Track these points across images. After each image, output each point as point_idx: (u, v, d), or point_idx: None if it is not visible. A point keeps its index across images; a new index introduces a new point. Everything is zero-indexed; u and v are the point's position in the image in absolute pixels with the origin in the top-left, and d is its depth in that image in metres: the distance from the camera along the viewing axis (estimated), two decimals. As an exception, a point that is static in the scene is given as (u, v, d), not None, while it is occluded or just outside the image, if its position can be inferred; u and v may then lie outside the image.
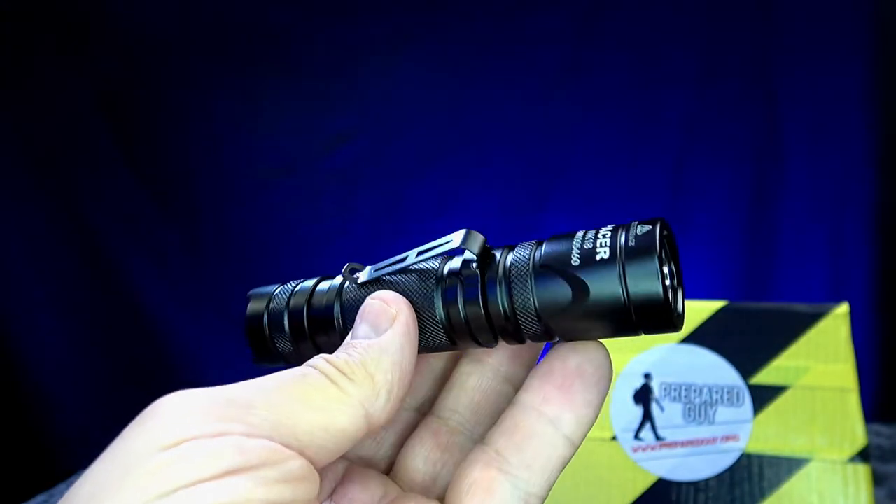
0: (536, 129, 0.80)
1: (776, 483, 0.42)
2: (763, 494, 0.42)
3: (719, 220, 0.76)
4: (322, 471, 0.24)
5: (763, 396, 0.45)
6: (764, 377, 0.45)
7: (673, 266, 0.23)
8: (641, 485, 0.44)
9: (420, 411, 0.27)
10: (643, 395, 0.47)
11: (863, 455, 0.41)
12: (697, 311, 0.49)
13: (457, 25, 0.79)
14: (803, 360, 0.45)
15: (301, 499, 0.18)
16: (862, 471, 0.41)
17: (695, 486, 0.43)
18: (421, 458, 0.25)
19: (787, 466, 0.42)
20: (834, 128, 0.72)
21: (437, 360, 0.27)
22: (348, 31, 0.81)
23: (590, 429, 0.23)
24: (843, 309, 0.46)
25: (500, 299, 0.22)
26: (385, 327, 0.22)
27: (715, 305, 0.48)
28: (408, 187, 0.83)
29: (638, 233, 0.21)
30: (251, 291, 0.29)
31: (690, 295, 0.81)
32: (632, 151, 0.78)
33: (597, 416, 0.23)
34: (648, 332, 0.21)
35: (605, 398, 0.23)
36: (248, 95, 0.84)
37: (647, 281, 0.20)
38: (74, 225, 0.85)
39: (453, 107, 0.82)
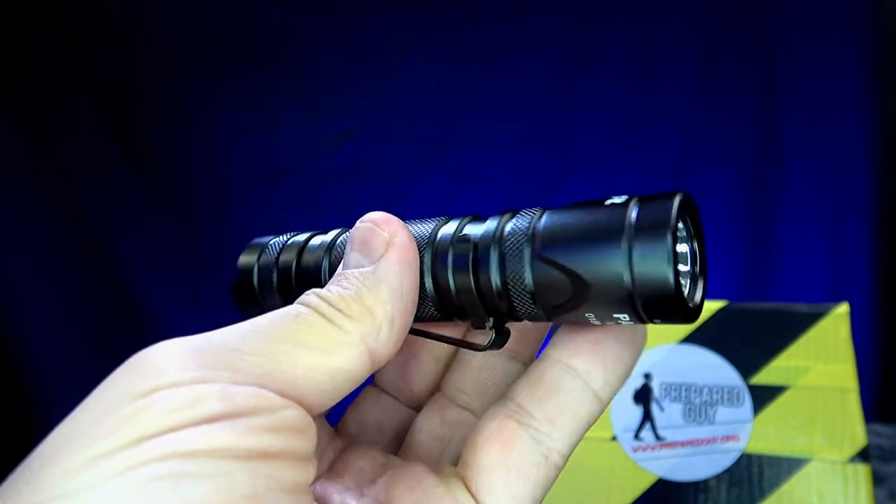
0: (536, 128, 0.80)
1: (776, 483, 0.42)
2: (763, 494, 0.42)
3: (719, 220, 0.76)
4: (321, 445, 0.23)
5: (763, 396, 0.45)
6: (764, 377, 0.45)
7: (696, 247, 0.20)
8: (641, 485, 0.44)
9: (424, 398, 0.26)
10: (643, 395, 0.47)
11: (863, 455, 0.41)
12: (697, 311, 0.48)
13: (457, 25, 0.79)
14: (803, 360, 0.45)
15: (294, 449, 0.17)
16: (862, 471, 0.41)
17: (695, 486, 0.43)
18: (426, 433, 0.24)
19: (786, 466, 0.42)
20: (834, 128, 0.72)
21: (440, 346, 0.26)
22: (348, 31, 0.81)
23: (619, 388, 0.21)
24: (843, 309, 0.46)
25: (492, 275, 0.20)
26: (379, 253, 0.20)
27: (715, 305, 0.48)
28: (408, 187, 0.83)
29: (651, 207, 0.18)
30: (251, 241, 0.27)
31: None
32: (632, 151, 0.78)
33: (628, 375, 0.21)
34: (660, 322, 0.19)
35: (637, 358, 0.21)
36: (248, 95, 0.84)
37: (656, 264, 0.17)
38: (74, 224, 0.85)
39: (453, 107, 0.82)
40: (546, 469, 0.21)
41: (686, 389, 0.46)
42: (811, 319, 0.46)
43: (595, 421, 0.21)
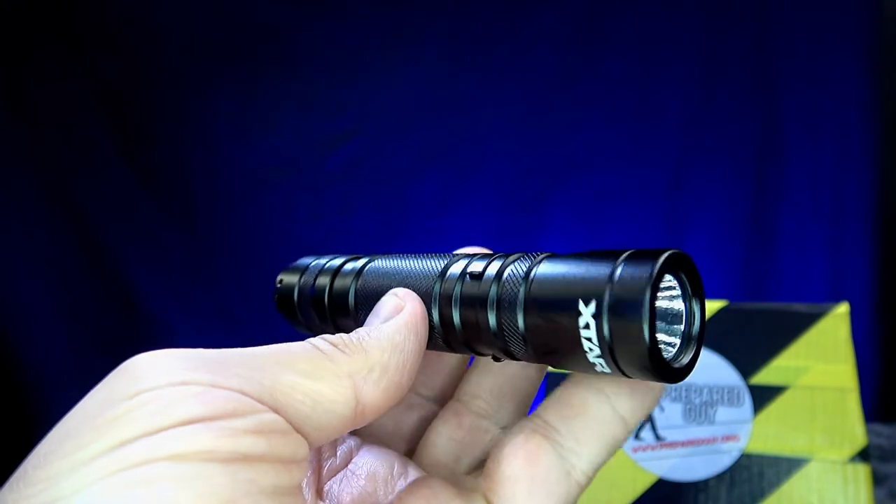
0: (537, 128, 0.80)
1: (776, 483, 0.42)
2: (763, 494, 0.42)
3: (719, 219, 0.76)
4: (333, 445, 0.23)
5: (763, 396, 0.45)
6: (764, 377, 0.45)
7: (694, 307, 0.20)
8: (641, 485, 0.44)
9: (439, 402, 0.26)
10: (643, 395, 0.47)
11: (863, 455, 0.41)
12: (697, 311, 0.48)
13: (457, 25, 0.79)
14: (803, 359, 0.45)
15: (277, 454, 0.17)
16: (862, 471, 0.41)
17: (695, 486, 0.43)
18: (444, 437, 0.24)
19: (786, 466, 0.42)
20: (834, 128, 0.72)
21: (454, 356, 0.26)
22: (348, 31, 0.81)
23: (646, 416, 0.21)
24: (843, 309, 0.46)
25: (489, 315, 0.21)
26: (390, 314, 0.21)
27: (715, 305, 0.48)
28: (408, 187, 0.83)
29: (637, 261, 0.18)
30: (296, 262, 0.29)
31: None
32: (632, 151, 0.78)
33: (655, 404, 0.21)
34: (640, 378, 0.19)
35: (664, 391, 0.21)
36: (248, 95, 0.84)
37: (630, 321, 0.17)
38: (73, 224, 0.85)
39: (453, 107, 0.82)
40: (568, 485, 0.20)
41: (686, 389, 0.46)
42: (811, 319, 0.46)
43: (621, 445, 0.21)
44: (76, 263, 0.86)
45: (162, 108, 0.85)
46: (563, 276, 0.19)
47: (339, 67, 0.82)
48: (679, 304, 0.20)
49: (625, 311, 0.17)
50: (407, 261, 0.24)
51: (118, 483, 0.15)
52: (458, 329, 0.22)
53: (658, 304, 0.19)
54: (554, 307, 0.19)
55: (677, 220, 0.77)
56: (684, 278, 0.20)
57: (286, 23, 0.80)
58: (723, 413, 0.45)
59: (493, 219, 0.81)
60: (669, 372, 0.18)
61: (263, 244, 0.87)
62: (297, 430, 0.18)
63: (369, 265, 0.26)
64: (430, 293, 0.22)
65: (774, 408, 0.44)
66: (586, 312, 0.18)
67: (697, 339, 0.20)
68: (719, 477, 0.43)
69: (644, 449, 0.45)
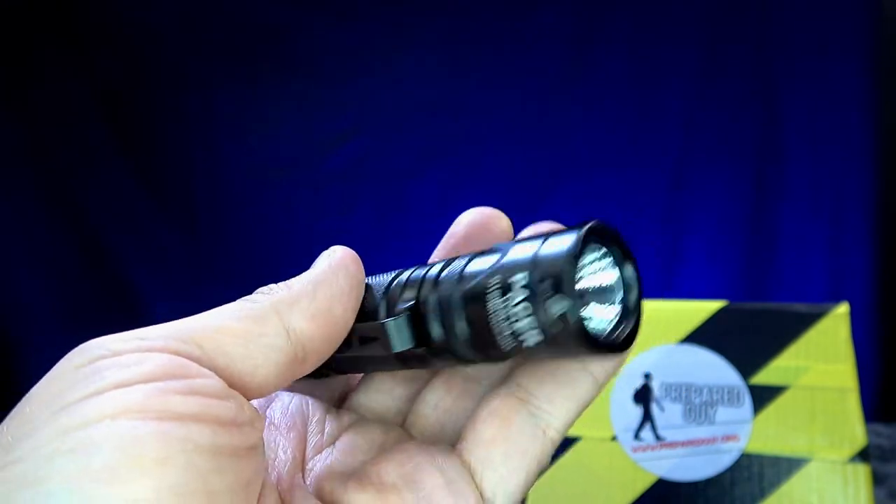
0: (536, 128, 0.80)
1: (776, 483, 0.42)
2: (763, 494, 0.42)
3: (719, 219, 0.76)
4: (321, 424, 0.23)
5: (763, 396, 0.45)
6: (764, 377, 0.45)
7: (631, 273, 0.20)
8: (641, 485, 0.44)
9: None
10: (643, 395, 0.47)
11: (863, 455, 0.41)
12: (697, 311, 0.49)
13: (457, 25, 0.79)
14: (803, 360, 0.45)
15: (216, 414, 0.17)
16: (862, 471, 0.41)
17: (695, 486, 0.43)
18: (430, 406, 0.25)
19: (786, 466, 0.42)
20: (834, 128, 0.72)
21: None
22: (348, 31, 0.81)
23: (615, 372, 0.22)
24: (843, 309, 0.46)
25: (434, 328, 0.20)
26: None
27: (715, 305, 0.48)
28: (408, 187, 0.83)
29: (557, 238, 0.17)
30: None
31: (691, 295, 0.80)
32: (632, 151, 0.78)
33: (623, 363, 0.22)
34: (584, 356, 0.19)
35: (631, 349, 0.22)
36: (248, 95, 0.84)
37: (565, 325, 0.17)
38: (74, 223, 0.85)
39: (453, 107, 0.82)
40: (543, 444, 0.21)
41: (686, 389, 0.46)
42: (811, 319, 0.46)
43: (592, 401, 0.22)
44: (76, 262, 0.86)
45: (162, 107, 0.85)
46: (491, 265, 0.19)
47: (339, 67, 0.82)
48: (613, 275, 0.20)
49: (550, 277, 0.17)
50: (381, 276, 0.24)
51: (59, 447, 0.15)
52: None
53: (590, 278, 0.19)
54: (480, 298, 0.19)
55: (677, 221, 0.77)
56: (615, 249, 0.19)
57: (286, 23, 0.80)
58: (723, 413, 0.45)
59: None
60: (609, 345, 0.18)
61: (263, 244, 0.87)
62: (235, 385, 0.18)
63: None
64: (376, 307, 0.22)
65: (774, 408, 0.44)
66: (515, 296, 0.18)
67: (636, 308, 0.19)
68: (719, 477, 0.43)
69: (644, 449, 0.45)
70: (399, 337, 0.20)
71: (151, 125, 0.85)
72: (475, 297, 0.19)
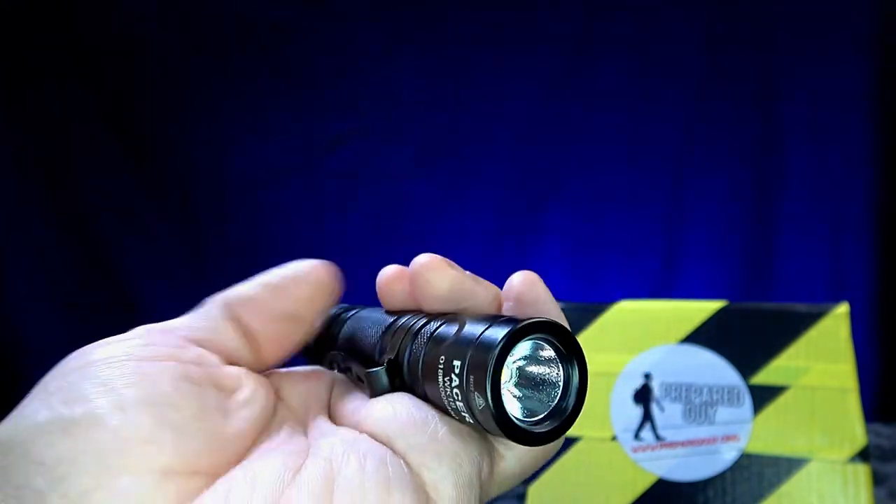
0: (536, 129, 0.80)
1: (776, 483, 0.42)
2: (763, 494, 0.42)
3: (719, 220, 0.76)
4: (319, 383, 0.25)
5: (763, 396, 0.45)
6: (764, 377, 0.45)
7: (575, 377, 0.20)
8: (641, 485, 0.44)
9: None
10: (643, 395, 0.47)
11: (863, 455, 0.41)
12: (697, 311, 0.49)
13: (456, 25, 0.79)
14: (803, 359, 0.45)
15: (212, 378, 0.21)
16: (862, 471, 0.41)
17: (695, 486, 0.43)
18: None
19: (786, 466, 0.42)
20: (834, 127, 0.72)
21: None
22: (348, 32, 0.81)
23: (534, 461, 0.24)
24: (843, 309, 0.46)
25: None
26: None
27: (715, 305, 0.48)
28: (408, 187, 0.83)
29: (483, 342, 0.19)
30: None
31: (691, 295, 0.80)
32: (632, 152, 0.78)
33: (547, 452, 0.24)
34: (501, 438, 0.20)
35: (556, 447, 0.24)
36: (249, 95, 0.84)
37: (484, 405, 0.18)
38: (74, 224, 0.85)
39: (453, 107, 0.82)
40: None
41: (686, 389, 0.46)
42: (811, 319, 0.46)
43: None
44: (77, 264, 0.86)
45: (162, 108, 0.85)
46: (453, 338, 0.20)
47: (340, 68, 0.82)
48: (557, 372, 0.20)
49: (475, 371, 0.18)
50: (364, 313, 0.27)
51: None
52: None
53: (535, 367, 0.20)
54: (434, 372, 0.20)
55: (677, 221, 0.77)
56: (564, 350, 0.20)
57: (286, 23, 0.80)
58: (723, 413, 0.45)
59: (492, 220, 0.81)
60: (530, 439, 0.19)
61: (263, 244, 0.87)
62: (230, 361, 0.23)
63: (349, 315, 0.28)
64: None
65: (774, 408, 0.44)
66: (454, 380, 0.19)
67: (565, 411, 0.20)
68: (719, 477, 0.43)
69: (644, 449, 0.45)
70: (378, 383, 0.23)
71: (152, 125, 0.85)
72: (431, 369, 0.20)
